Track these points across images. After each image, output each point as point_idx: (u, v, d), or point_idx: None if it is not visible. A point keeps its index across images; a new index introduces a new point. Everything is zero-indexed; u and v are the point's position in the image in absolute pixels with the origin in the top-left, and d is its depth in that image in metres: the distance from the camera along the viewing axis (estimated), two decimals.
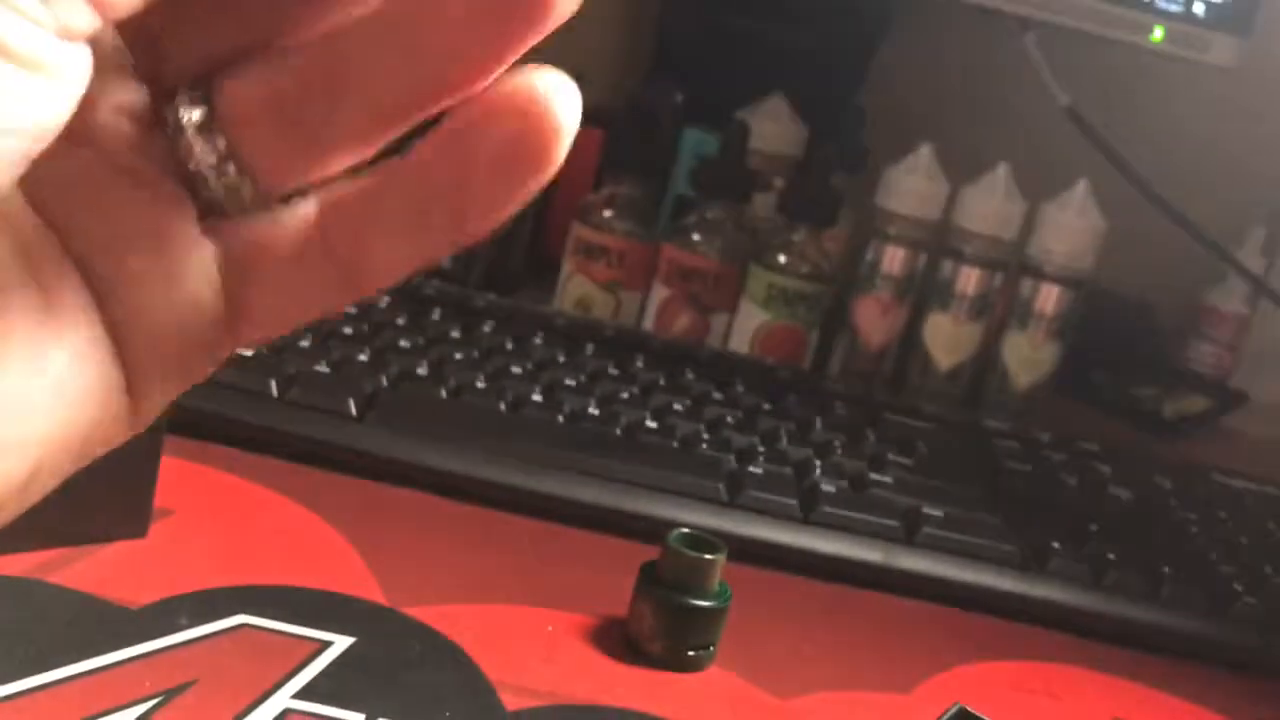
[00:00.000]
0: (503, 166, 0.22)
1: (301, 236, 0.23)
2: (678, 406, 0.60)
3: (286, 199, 0.24)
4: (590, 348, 0.65)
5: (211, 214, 0.24)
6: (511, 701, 0.39)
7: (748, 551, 0.51)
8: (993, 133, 0.88)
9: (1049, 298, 0.78)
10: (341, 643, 0.40)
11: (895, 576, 0.53)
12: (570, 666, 0.42)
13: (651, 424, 0.57)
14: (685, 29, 0.92)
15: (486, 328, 0.64)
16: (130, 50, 0.23)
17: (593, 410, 0.57)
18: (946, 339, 0.79)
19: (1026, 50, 0.79)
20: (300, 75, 0.22)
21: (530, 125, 0.21)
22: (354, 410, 0.52)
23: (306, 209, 0.24)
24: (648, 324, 0.76)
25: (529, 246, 0.84)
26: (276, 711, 0.36)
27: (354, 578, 0.44)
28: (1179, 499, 0.65)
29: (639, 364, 0.64)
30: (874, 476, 0.57)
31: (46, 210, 0.22)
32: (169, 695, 0.35)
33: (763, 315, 0.75)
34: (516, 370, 0.59)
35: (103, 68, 0.22)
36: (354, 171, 0.23)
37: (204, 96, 0.23)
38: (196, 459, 0.49)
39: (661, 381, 0.63)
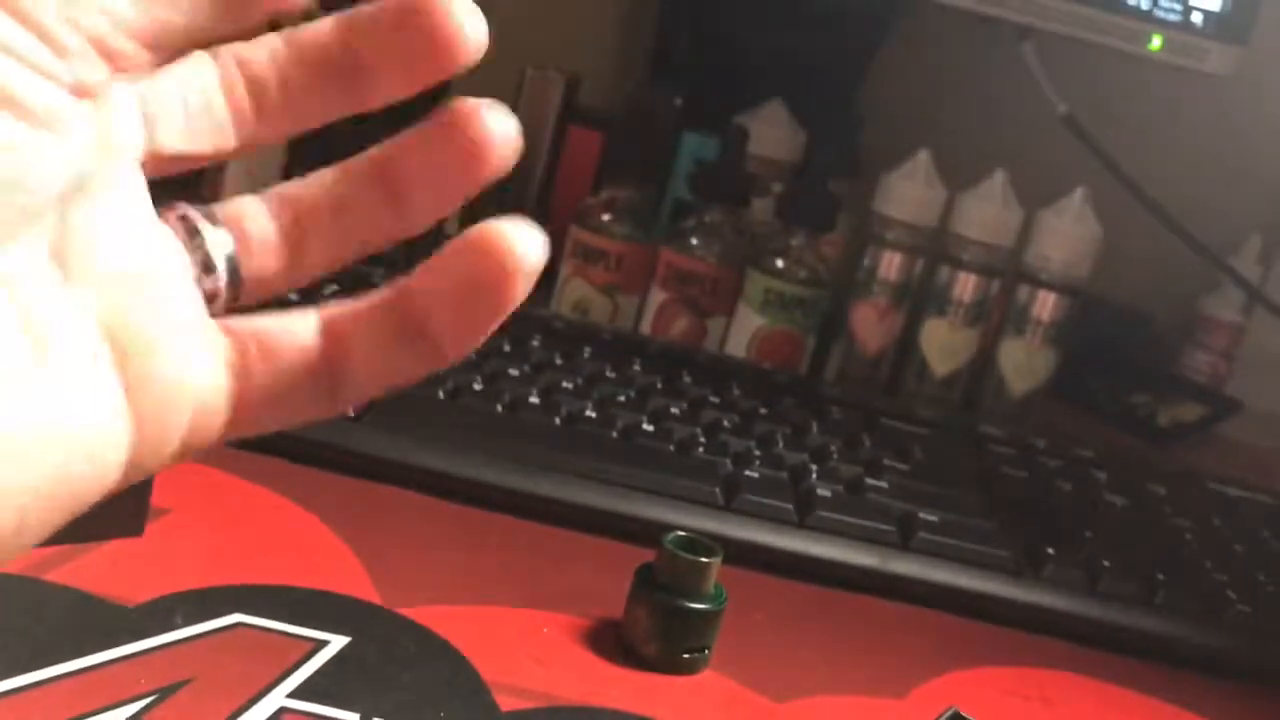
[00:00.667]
0: (469, 301, 0.24)
1: (302, 346, 0.25)
2: (674, 410, 0.60)
3: (291, 307, 0.26)
4: (587, 350, 0.65)
5: (212, 300, 0.25)
6: (506, 703, 0.39)
7: (743, 555, 0.51)
8: (990, 140, 0.88)
9: (1045, 305, 0.78)
10: (337, 642, 0.40)
11: (890, 581, 0.53)
12: (565, 668, 0.42)
13: (648, 427, 0.57)
14: (685, 33, 0.92)
15: None
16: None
17: (590, 413, 0.57)
18: (943, 345, 0.79)
19: (1024, 58, 0.79)
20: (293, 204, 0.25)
21: (493, 264, 0.24)
22: (351, 410, 0.52)
23: (309, 321, 0.25)
24: (645, 327, 0.76)
25: None
26: (271, 710, 0.36)
27: (349, 578, 0.44)
28: (1173, 506, 0.65)
29: (636, 367, 0.65)
30: (869, 481, 0.58)
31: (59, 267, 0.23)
32: (164, 693, 0.35)
33: (760, 320, 0.75)
34: (514, 372, 0.59)
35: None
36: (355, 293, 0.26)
37: (203, 201, 0.25)
38: (193, 458, 0.49)
39: (658, 385, 0.63)
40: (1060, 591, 0.54)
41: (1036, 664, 0.51)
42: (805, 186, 0.76)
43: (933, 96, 0.96)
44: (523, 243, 0.24)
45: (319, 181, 0.26)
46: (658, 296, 0.76)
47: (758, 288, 0.75)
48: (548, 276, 0.78)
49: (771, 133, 0.82)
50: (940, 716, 0.41)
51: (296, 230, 0.26)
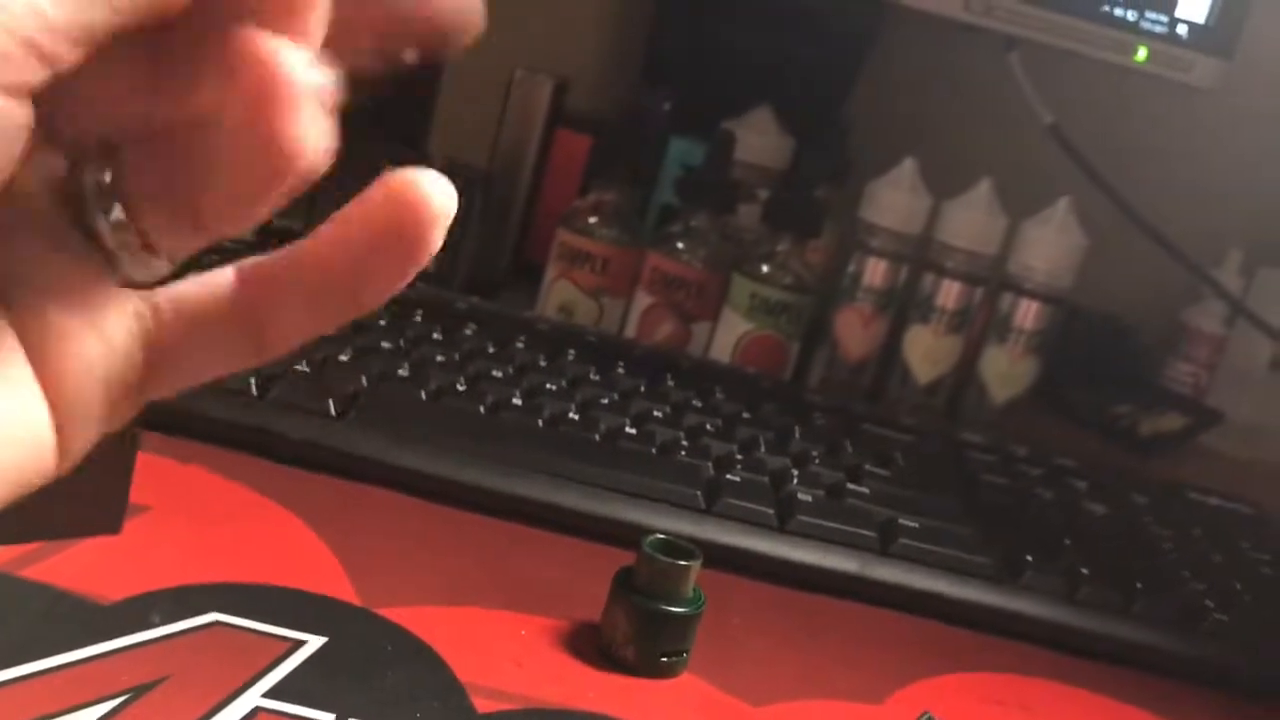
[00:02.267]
0: (386, 250, 0.24)
1: (218, 300, 0.26)
2: (657, 413, 0.60)
3: (205, 264, 0.26)
4: (572, 353, 0.65)
5: (111, 269, 0.25)
6: (483, 704, 0.39)
7: (724, 559, 0.51)
8: (976, 149, 0.88)
9: (1028, 313, 0.79)
10: (314, 642, 0.40)
11: (870, 586, 0.53)
12: (542, 670, 0.42)
13: (631, 430, 0.57)
14: (674, 39, 0.92)
15: (468, 331, 0.64)
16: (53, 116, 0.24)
17: (573, 415, 0.57)
18: (926, 352, 0.79)
19: (1011, 68, 0.79)
20: (180, 157, 0.25)
21: (408, 214, 0.24)
22: (334, 410, 0.52)
23: (225, 275, 0.26)
24: (630, 331, 0.76)
25: (513, 251, 0.84)
26: (246, 710, 0.36)
27: (328, 577, 0.44)
28: (1153, 515, 0.65)
29: (620, 370, 0.65)
30: (851, 487, 0.58)
31: None
32: (139, 691, 0.35)
33: (745, 325, 0.75)
34: (497, 374, 0.59)
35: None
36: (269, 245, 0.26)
37: (108, 168, 0.25)
38: (174, 455, 0.49)
39: (642, 388, 0.63)
40: (1039, 599, 0.54)
41: (1015, 671, 0.51)
42: (792, 193, 0.76)
43: (919, 105, 0.97)
44: (439, 192, 0.24)
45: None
46: (643, 300, 0.76)
47: (743, 293, 0.75)
48: (533, 278, 0.79)
49: (759, 139, 0.82)
50: None
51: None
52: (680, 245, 0.75)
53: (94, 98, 0.24)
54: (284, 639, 0.40)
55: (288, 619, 0.40)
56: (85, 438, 0.25)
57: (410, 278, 0.25)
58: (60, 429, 0.24)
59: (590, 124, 0.85)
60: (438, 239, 0.24)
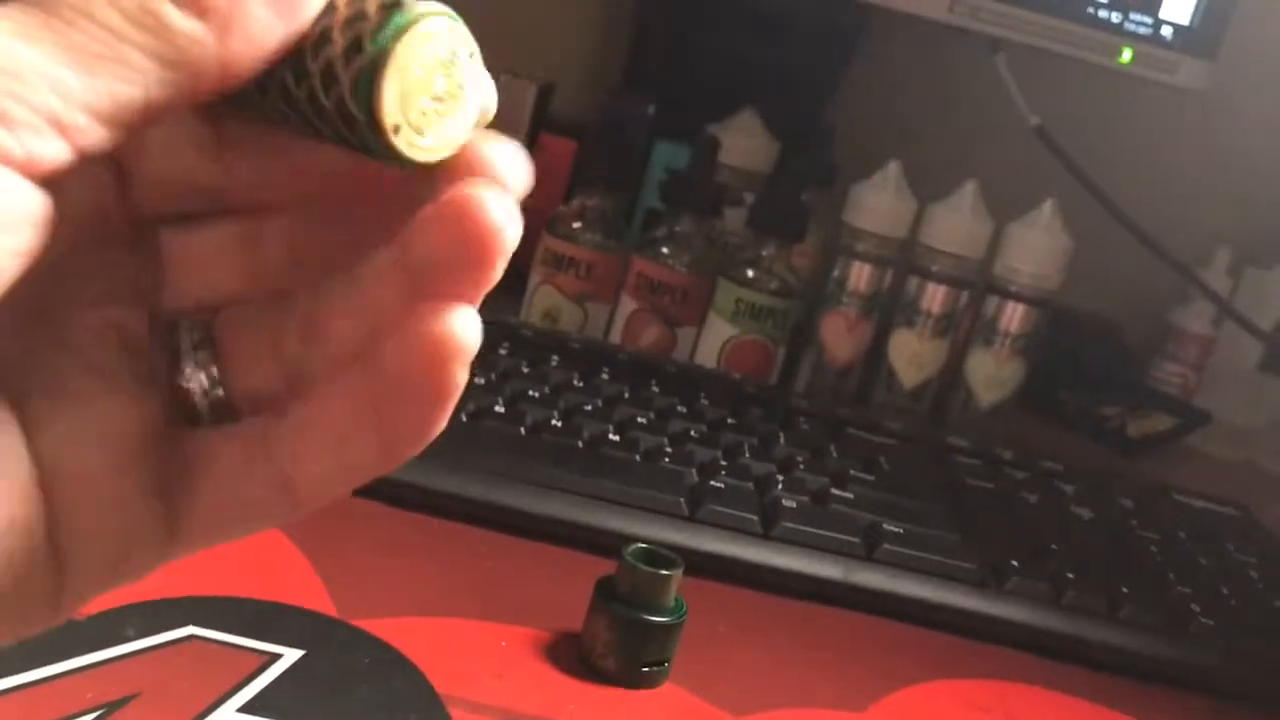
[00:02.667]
0: (414, 392, 0.23)
1: (248, 448, 0.24)
2: (641, 420, 0.60)
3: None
4: (555, 359, 0.65)
5: (187, 422, 0.24)
6: (462, 717, 0.39)
7: (707, 566, 0.51)
8: (961, 151, 0.88)
9: (1014, 316, 0.78)
10: (291, 655, 0.39)
11: (854, 593, 0.53)
12: (522, 682, 0.41)
13: (614, 437, 0.57)
14: (658, 43, 0.92)
15: None
16: (135, 277, 0.24)
17: (555, 422, 0.57)
18: (912, 356, 0.79)
19: (996, 70, 0.79)
20: (286, 318, 0.24)
21: (432, 374, 0.23)
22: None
23: (254, 423, 0.24)
24: (615, 336, 0.76)
25: None
26: None
27: (306, 589, 0.43)
28: (1139, 519, 0.65)
29: (604, 376, 0.64)
30: (835, 492, 0.57)
31: (6, 383, 0.22)
32: (110, 708, 0.35)
33: (730, 329, 0.75)
34: (480, 381, 0.59)
35: (110, 279, 0.23)
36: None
37: (205, 329, 0.24)
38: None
39: (626, 394, 0.63)
40: (1024, 604, 0.54)
41: (999, 677, 0.51)
42: (777, 197, 0.75)
43: (904, 107, 0.96)
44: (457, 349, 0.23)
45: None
46: (628, 305, 0.75)
47: (728, 297, 0.74)
48: (518, 283, 0.78)
49: (743, 143, 0.82)
50: None
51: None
52: (665, 250, 0.75)
53: (194, 269, 0.24)
54: (260, 652, 0.39)
55: (264, 632, 0.40)
56: (84, 591, 0.23)
57: (437, 427, 0.24)
58: (60, 576, 0.22)
59: (574, 128, 0.85)
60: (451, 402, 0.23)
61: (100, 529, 0.23)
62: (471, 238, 0.22)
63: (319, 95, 0.21)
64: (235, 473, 0.24)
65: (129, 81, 0.19)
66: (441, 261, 0.22)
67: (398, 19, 0.20)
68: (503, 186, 0.22)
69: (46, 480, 0.22)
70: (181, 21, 0.20)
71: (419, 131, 0.21)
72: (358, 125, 0.21)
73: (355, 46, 0.21)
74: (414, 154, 0.21)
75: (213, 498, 0.24)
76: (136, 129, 0.20)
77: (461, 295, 0.22)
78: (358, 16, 0.21)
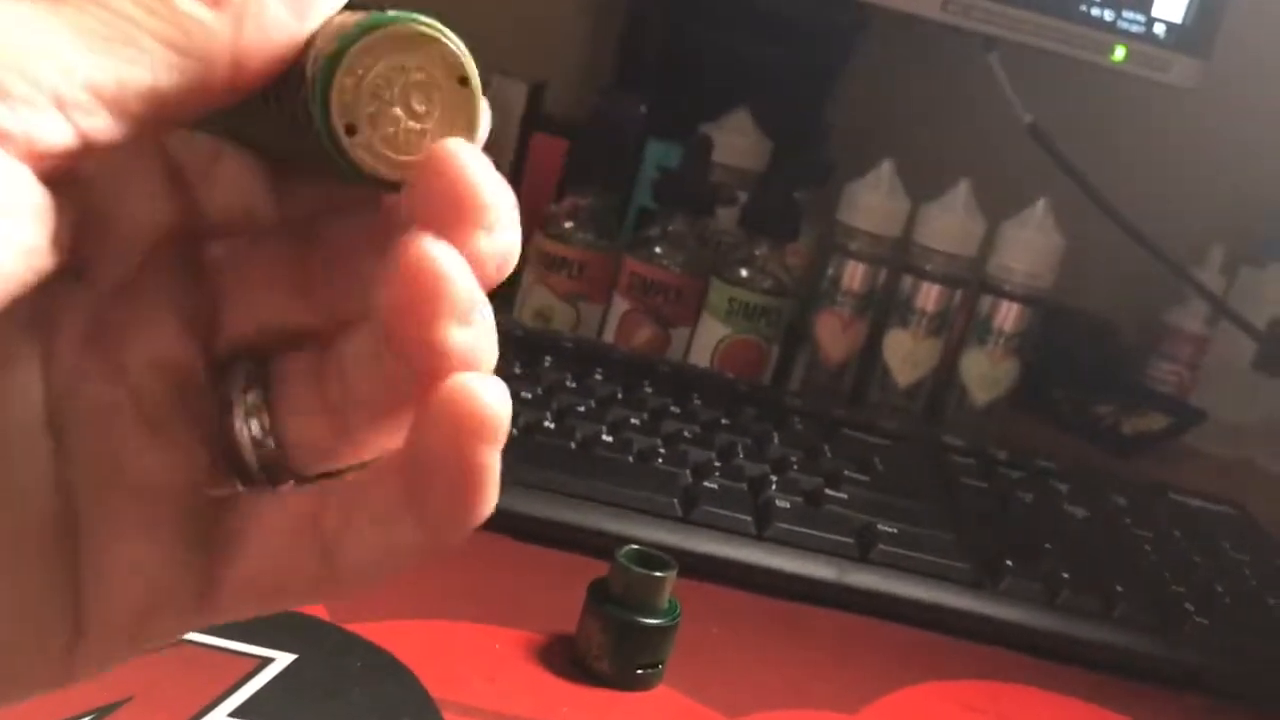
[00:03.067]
0: (441, 475, 0.21)
1: (295, 516, 0.22)
2: (635, 420, 0.60)
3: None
4: (548, 360, 0.64)
5: (236, 476, 0.23)
6: (455, 719, 0.38)
7: (701, 567, 0.51)
8: (955, 149, 0.88)
9: (1008, 315, 0.78)
10: (283, 659, 0.39)
11: (848, 594, 0.53)
12: (516, 684, 0.41)
13: (607, 438, 0.57)
14: (651, 41, 0.92)
15: None
16: (191, 310, 0.23)
17: (548, 423, 0.57)
18: (906, 355, 0.79)
19: (990, 68, 0.79)
20: (331, 367, 0.23)
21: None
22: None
23: (303, 490, 0.23)
24: (608, 336, 0.76)
25: None
26: None
27: None
28: (1134, 518, 0.65)
29: (597, 377, 0.64)
30: (829, 493, 0.57)
31: (52, 428, 0.21)
32: (100, 713, 0.34)
33: (723, 329, 0.74)
34: None
35: (152, 318, 0.22)
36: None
37: (257, 373, 0.23)
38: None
39: (619, 395, 0.63)
40: (1019, 604, 0.54)
41: (994, 677, 0.51)
42: (770, 196, 0.75)
43: (898, 106, 0.96)
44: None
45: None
46: (621, 305, 0.75)
47: (722, 297, 0.74)
48: (510, 283, 0.78)
49: (737, 141, 0.82)
50: None
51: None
52: (658, 249, 0.75)
53: (246, 304, 0.23)
54: (252, 656, 0.39)
55: (256, 635, 0.40)
56: (101, 657, 0.22)
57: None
58: (78, 635, 0.21)
59: (566, 127, 0.85)
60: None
61: (127, 585, 0.21)
62: (417, 299, 0.20)
63: (293, 103, 0.21)
64: (279, 541, 0.22)
65: (135, 62, 0.19)
66: (395, 326, 0.20)
67: (368, 22, 0.20)
68: (464, 214, 0.20)
69: (75, 525, 0.21)
70: (194, 8, 0.19)
71: (394, 148, 0.20)
72: (318, 130, 0.20)
73: (325, 49, 0.20)
74: (377, 167, 0.20)
75: (252, 565, 0.22)
76: (146, 122, 0.19)
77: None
78: (340, 26, 0.20)
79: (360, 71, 0.20)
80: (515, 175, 0.83)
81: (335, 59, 0.20)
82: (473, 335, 0.20)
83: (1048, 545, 0.58)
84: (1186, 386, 0.95)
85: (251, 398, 0.23)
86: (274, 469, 0.23)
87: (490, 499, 0.21)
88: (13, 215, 0.18)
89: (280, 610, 0.23)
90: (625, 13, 0.94)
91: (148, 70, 0.19)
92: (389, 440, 0.23)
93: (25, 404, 0.21)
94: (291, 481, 0.23)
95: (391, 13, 0.20)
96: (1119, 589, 0.55)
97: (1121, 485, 0.69)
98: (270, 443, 0.23)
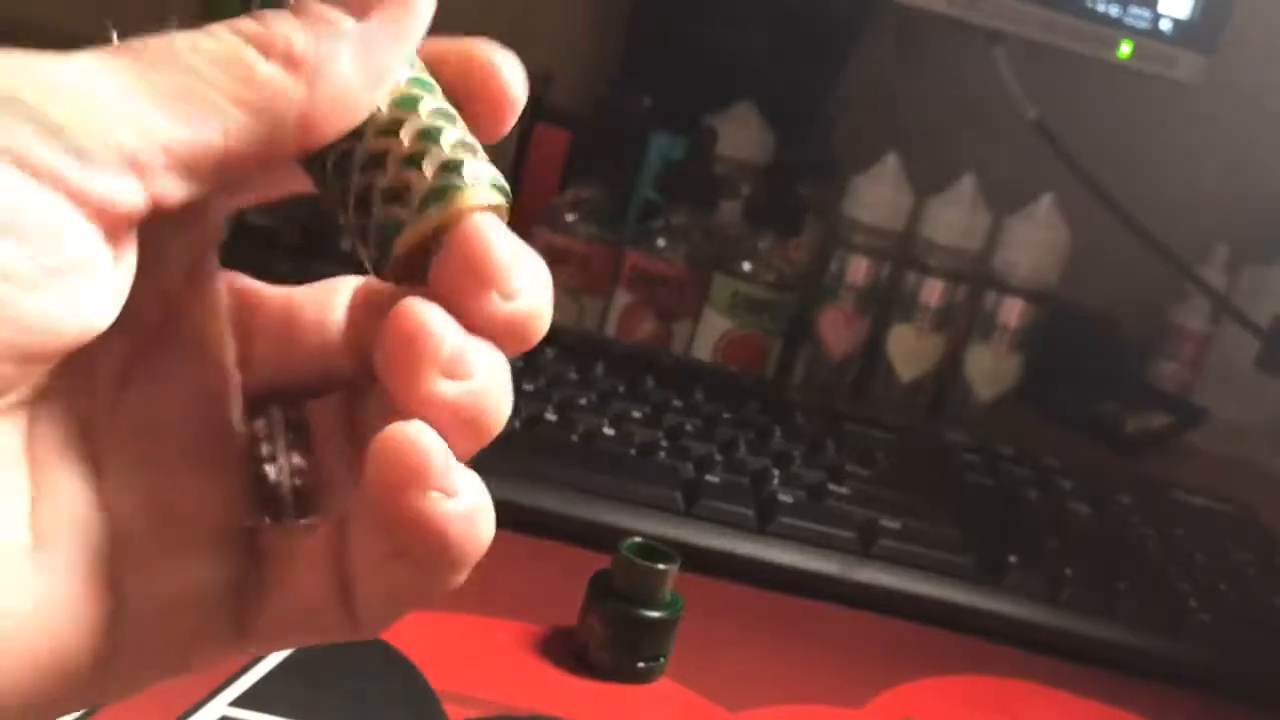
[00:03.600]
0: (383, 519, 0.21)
1: (317, 554, 0.23)
2: (636, 414, 0.59)
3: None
4: (550, 353, 0.64)
5: (268, 512, 0.23)
6: (455, 712, 0.38)
7: (703, 561, 0.51)
8: (960, 144, 0.88)
9: (1013, 311, 0.78)
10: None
11: (851, 589, 0.52)
12: (516, 676, 0.41)
13: (609, 431, 0.57)
14: (655, 33, 0.92)
15: None
16: (227, 348, 0.23)
17: (550, 416, 0.56)
18: (909, 350, 0.78)
19: (995, 63, 0.79)
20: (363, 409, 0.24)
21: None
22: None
23: (329, 528, 0.23)
24: (610, 330, 0.76)
25: None
26: (213, 719, 0.35)
27: None
28: (1138, 516, 0.65)
29: (599, 370, 0.64)
30: (832, 487, 0.57)
31: (93, 460, 0.21)
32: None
33: (726, 323, 0.74)
34: None
35: (186, 355, 0.22)
36: None
37: (292, 414, 0.24)
38: None
39: (621, 388, 0.62)
40: (1022, 600, 0.54)
41: (996, 673, 0.50)
42: (774, 189, 0.75)
43: (903, 100, 0.96)
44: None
45: None
46: (623, 298, 0.75)
47: (724, 291, 0.74)
48: None
49: (741, 134, 0.81)
50: None
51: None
52: (661, 242, 0.74)
53: (281, 345, 0.24)
54: None
55: None
56: (132, 679, 0.22)
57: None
58: (110, 657, 0.21)
59: (569, 119, 0.84)
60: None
61: (165, 619, 0.21)
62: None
63: (349, 200, 0.21)
64: (303, 579, 0.23)
65: (210, 124, 0.19)
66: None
67: (447, 201, 0.20)
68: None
69: (113, 548, 0.21)
70: (272, 71, 0.19)
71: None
72: (366, 247, 0.21)
73: (395, 194, 0.21)
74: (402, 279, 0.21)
75: (282, 602, 0.23)
76: (210, 183, 0.19)
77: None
78: (415, 159, 0.21)
79: (423, 236, 0.21)
80: (518, 167, 0.83)
81: (402, 229, 0.21)
82: (462, 389, 0.20)
83: (1051, 542, 0.58)
84: (1189, 385, 0.95)
85: (284, 435, 0.23)
86: (306, 505, 0.23)
87: (458, 537, 0.21)
88: (81, 273, 0.18)
89: (315, 644, 0.24)
90: (630, 4, 0.94)
91: (220, 133, 0.19)
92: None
93: (71, 431, 0.21)
94: (319, 518, 0.23)
95: (468, 175, 0.21)
96: (1122, 586, 0.55)
97: (1125, 483, 0.69)
98: (300, 481, 0.23)
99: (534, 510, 0.51)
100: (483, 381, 0.21)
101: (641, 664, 0.42)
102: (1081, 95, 0.90)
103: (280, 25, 0.20)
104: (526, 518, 0.51)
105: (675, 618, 0.43)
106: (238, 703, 0.36)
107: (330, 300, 0.24)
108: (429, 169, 0.21)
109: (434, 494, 0.20)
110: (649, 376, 0.65)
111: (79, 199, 0.18)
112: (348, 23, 0.20)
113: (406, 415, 0.20)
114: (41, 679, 0.20)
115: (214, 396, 0.23)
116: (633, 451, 0.56)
